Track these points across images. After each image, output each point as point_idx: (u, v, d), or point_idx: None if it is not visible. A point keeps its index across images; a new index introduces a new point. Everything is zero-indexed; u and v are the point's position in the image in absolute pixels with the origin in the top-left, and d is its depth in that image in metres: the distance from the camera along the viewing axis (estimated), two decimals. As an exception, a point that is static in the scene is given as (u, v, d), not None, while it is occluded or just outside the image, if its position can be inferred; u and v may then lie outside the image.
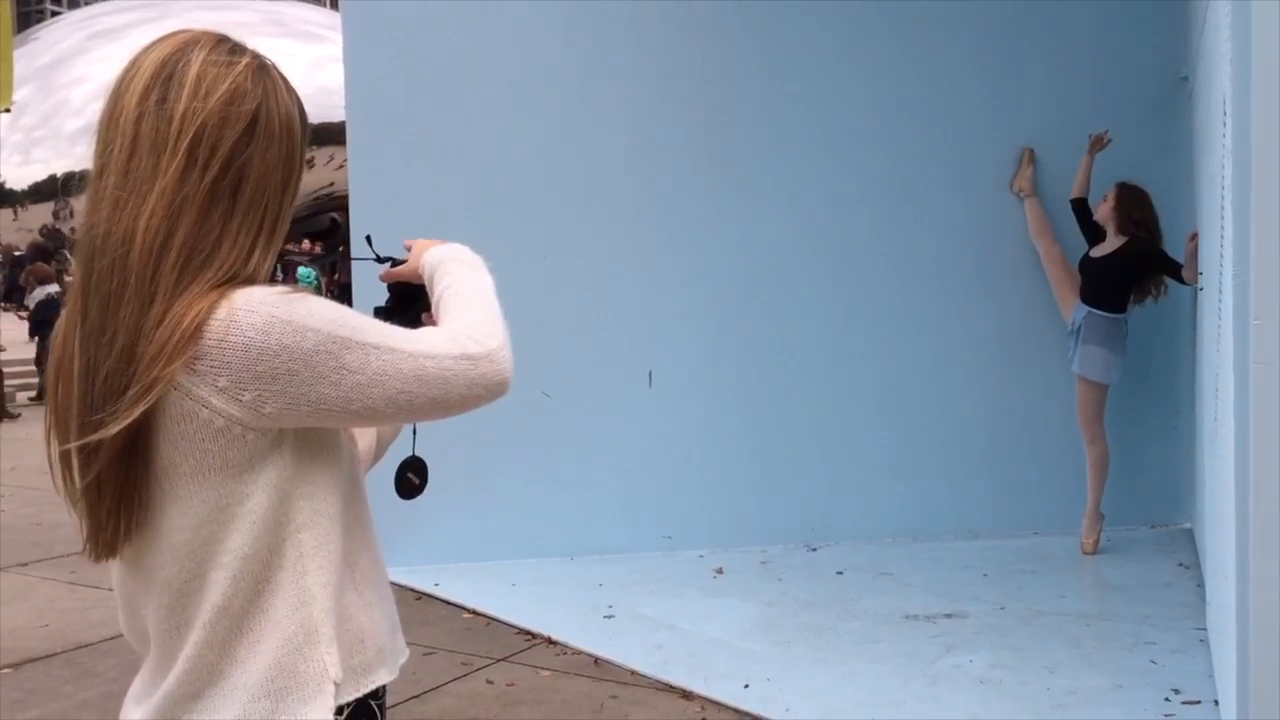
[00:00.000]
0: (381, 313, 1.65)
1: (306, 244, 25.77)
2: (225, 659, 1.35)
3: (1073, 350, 5.84)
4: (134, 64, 1.37)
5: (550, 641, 4.79)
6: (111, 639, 4.81)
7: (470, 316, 1.45)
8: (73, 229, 22.73)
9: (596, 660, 4.57)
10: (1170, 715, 3.83)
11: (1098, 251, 5.79)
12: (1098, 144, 5.92)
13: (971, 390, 6.26)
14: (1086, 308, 5.77)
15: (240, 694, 1.35)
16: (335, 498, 1.41)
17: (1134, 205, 5.69)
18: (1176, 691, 4.01)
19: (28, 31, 31.97)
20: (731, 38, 6.11)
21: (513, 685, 4.36)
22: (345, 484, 1.44)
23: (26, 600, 5.64)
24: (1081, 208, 5.94)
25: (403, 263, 1.66)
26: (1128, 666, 4.29)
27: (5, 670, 4.69)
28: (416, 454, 1.71)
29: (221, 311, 1.29)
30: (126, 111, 1.34)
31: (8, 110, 16.64)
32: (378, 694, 1.46)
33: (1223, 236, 3.36)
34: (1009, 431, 6.25)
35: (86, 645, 4.91)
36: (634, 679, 4.40)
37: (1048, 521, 6.16)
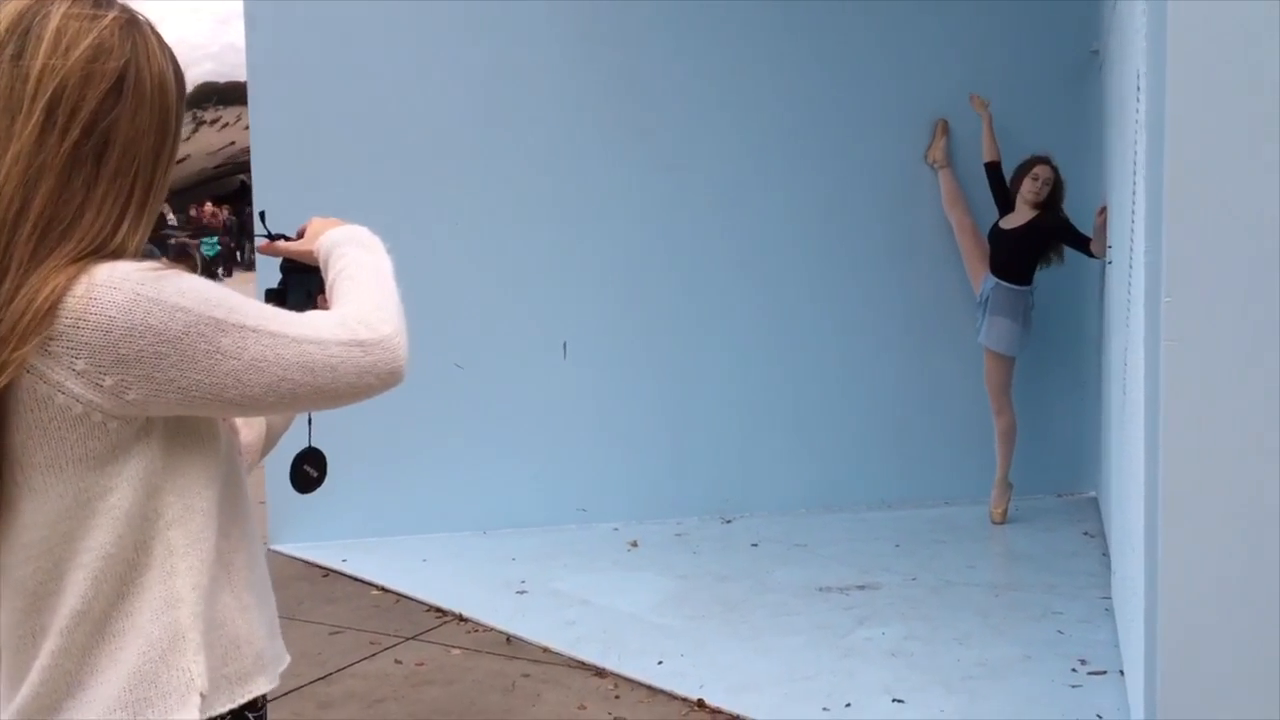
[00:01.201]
0: (273, 295, 1.57)
1: (210, 207, 25.09)
2: (84, 668, 1.24)
3: (980, 322, 5.87)
4: None
5: (461, 619, 4.71)
6: None
7: (364, 301, 1.34)
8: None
9: (509, 638, 4.50)
10: (1077, 685, 3.88)
11: (1007, 223, 5.82)
12: (980, 105, 5.99)
13: (883, 362, 6.28)
14: (995, 279, 5.81)
15: (97, 706, 1.23)
16: (210, 492, 1.30)
17: (1061, 184, 5.73)
18: (1083, 661, 4.06)
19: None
20: (648, 4, 6.02)
21: (422, 665, 4.28)
22: (221, 477, 1.32)
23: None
24: (994, 172, 5.96)
25: (288, 236, 1.57)
26: (1035, 637, 4.34)
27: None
28: (313, 445, 1.62)
29: (80, 288, 1.18)
30: None
31: None
32: (256, 704, 1.35)
33: (1134, 212, 3.38)
34: (920, 402, 6.29)
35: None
36: (546, 656, 4.34)
37: (958, 491, 6.22)
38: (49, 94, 1.21)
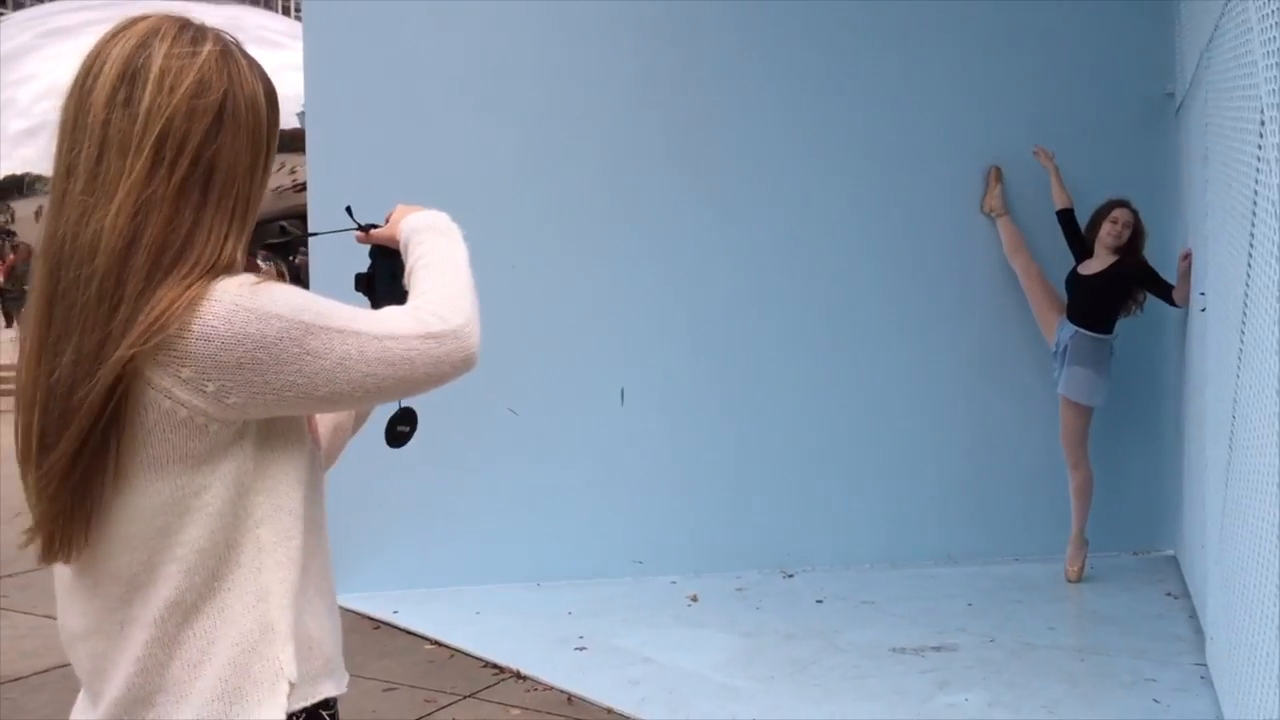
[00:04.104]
0: (361, 279, 1.65)
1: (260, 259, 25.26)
2: (176, 658, 1.31)
3: (1058, 371, 5.66)
4: (96, 59, 1.33)
5: (519, 676, 4.51)
6: (46, 671, 4.46)
7: (437, 291, 1.43)
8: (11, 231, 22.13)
9: (570, 698, 4.29)
10: (1182, 761, 3.63)
11: (1086, 269, 5.61)
12: (1045, 157, 5.84)
13: (950, 412, 6.07)
14: (1074, 327, 5.59)
15: (195, 697, 1.30)
16: (297, 494, 1.38)
17: (1142, 227, 5.54)
18: (1185, 734, 3.81)
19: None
20: (710, 40, 5.90)
21: (481, 726, 4.08)
22: (307, 480, 1.40)
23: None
24: (1068, 219, 5.77)
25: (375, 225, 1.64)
26: (1130, 706, 4.08)
27: (-74, 707, 4.33)
28: (404, 405, 1.60)
29: (186, 303, 1.26)
30: (94, 112, 1.30)
31: None
32: (328, 704, 1.39)
33: (1250, 257, 3.17)
34: (988, 455, 6.06)
35: (18, 679, 4.55)
36: (610, 718, 4.13)
37: (1028, 548, 5.97)
38: (157, 132, 1.29)
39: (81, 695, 1.44)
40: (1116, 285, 5.52)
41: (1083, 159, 5.92)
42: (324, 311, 1.31)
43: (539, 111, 5.72)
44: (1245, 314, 3.28)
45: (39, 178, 21.18)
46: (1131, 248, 5.55)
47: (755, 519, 5.95)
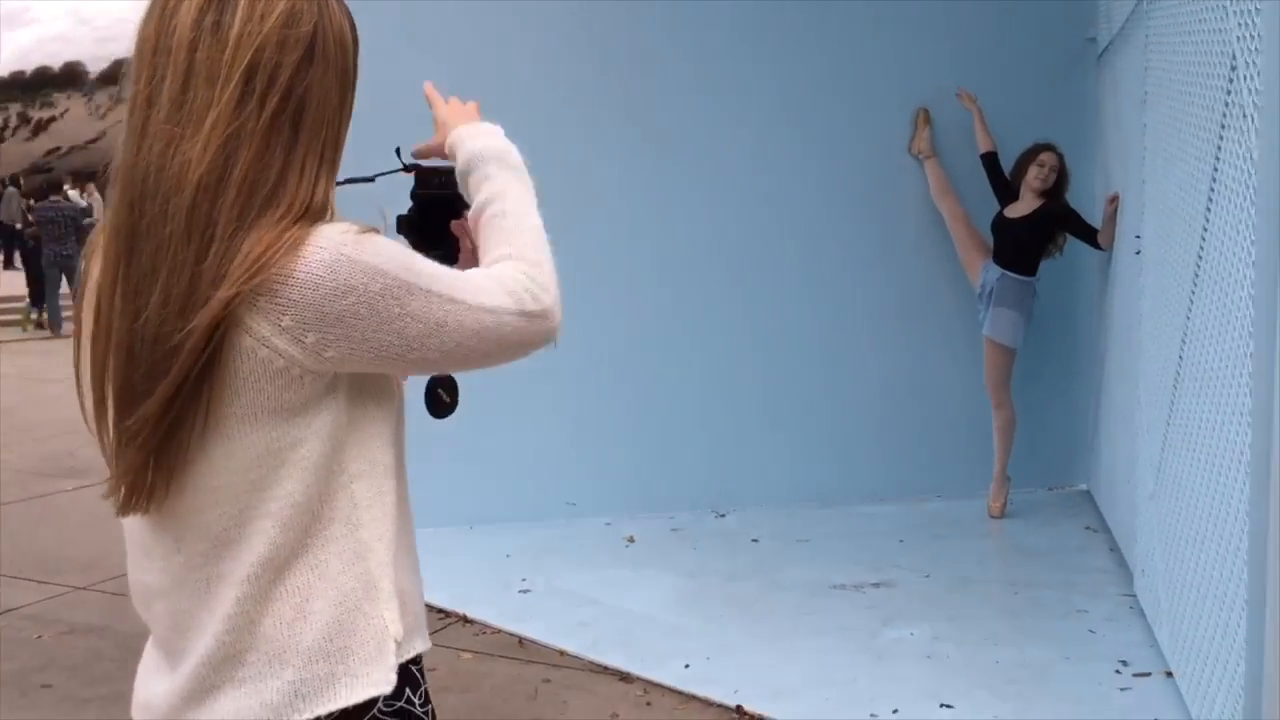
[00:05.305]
0: (404, 222, 1.55)
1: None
2: (270, 617, 1.25)
3: (983, 313, 5.76)
4: None
5: (466, 620, 4.46)
6: None
7: (527, 259, 1.35)
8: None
9: (521, 640, 4.27)
10: (1126, 689, 3.77)
11: (1012, 212, 5.71)
12: (968, 99, 5.91)
13: (876, 353, 6.15)
14: (999, 270, 5.69)
15: (293, 657, 1.25)
16: (390, 448, 1.34)
17: (1067, 171, 5.64)
18: (1124, 663, 3.95)
19: None
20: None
21: (434, 670, 4.01)
22: (396, 435, 1.37)
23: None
24: (992, 162, 5.85)
25: (439, 172, 1.53)
26: (1067, 637, 4.22)
27: None
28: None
29: (288, 248, 1.20)
30: (179, 37, 1.22)
31: None
32: (417, 660, 1.36)
33: (1210, 201, 3.25)
34: (911, 395, 6.17)
35: None
36: (564, 660, 4.12)
37: (951, 485, 6.11)
38: (246, 61, 1.22)
39: (152, 655, 1.38)
40: (1043, 228, 5.62)
41: (1005, 103, 5.98)
42: (424, 271, 1.25)
43: (468, 64, 5.56)
44: (1200, 256, 3.37)
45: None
46: (1056, 191, 5.66)
47: (686, 459, 5.97)
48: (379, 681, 1.28)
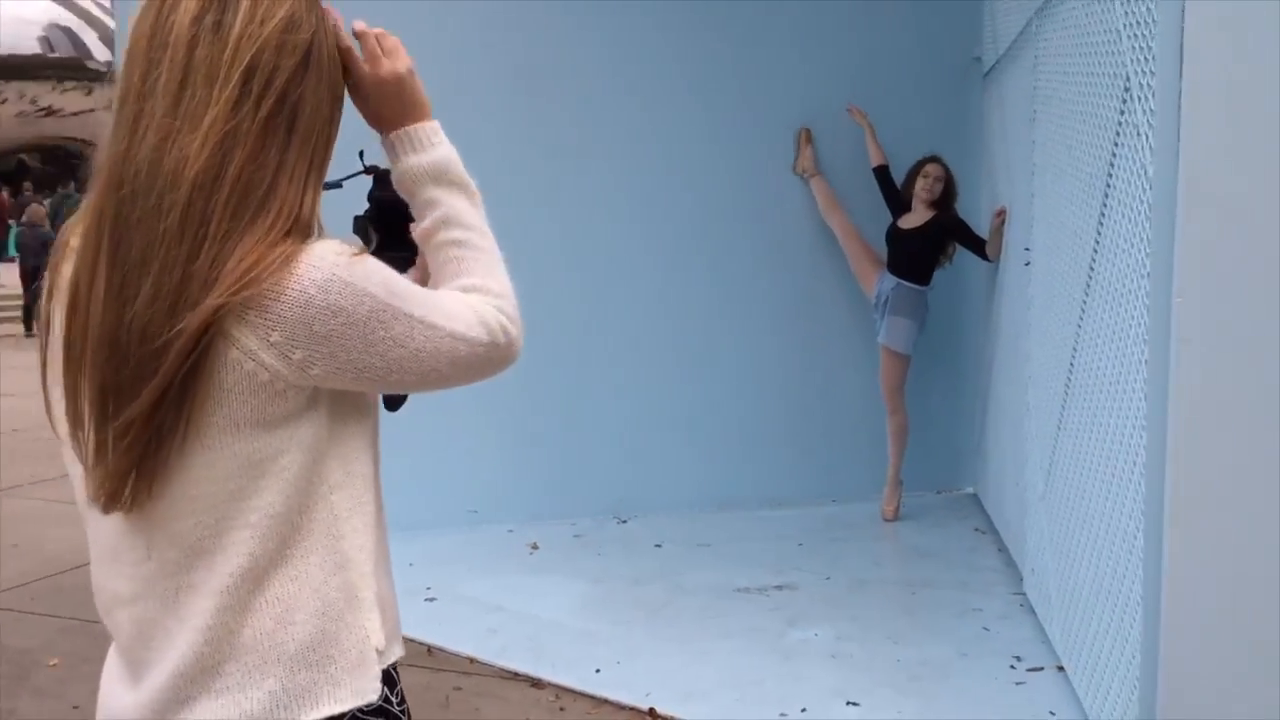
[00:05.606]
0: (361, 223, 1.56)
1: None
2: (249, 628, 1.26)
3: (879, 322, 5.92)
4: None
5: (372, 629, 4.41)
6: None
7: (494, 291, 1.38)
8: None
9: (429, 649, 4.25)
10: (1020, 683, 3.92)
11: (905, 223, 5.88)
12: (859, 115, 6.08)
13: (772, 362, 6.28)
14: (895, 279, 5.86)
15: (274, 667, 1.26)
16: (368, 458, 1.35)
17: (954, 181, 5.83)
18: (1018, 658, 4.11)
19: None
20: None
21: (342, 680, 3.98)
22: (374, 445, 1.38)
23: None
24: (883, 175, 6.02)
25: (385, 171, 1.50)
26: (964, 634, 4.36)
27: None
28: None
29: (281, 260, 1.21)
30: (177, 33, 1.23)
31: None
32: (394, 666, 1.38)
33: (1103, 216, 3.41)
34: (809, 402, 6.31)
35: None
36: (474, 668, 4.12)
37: (846, 489, 6.26)
38: (246, 62, 1.23)
39: (115, 665, 1.35)
40: (934, 239, 5.81)
41: (895, 119, 6.17)
42: (407, 296, 1.27)
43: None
44: (1093, 268, 3.54)
45: None
46: (945, 202, 5.85)
47: (587, 466, 6.01)
48: (362, 690, 1.29)
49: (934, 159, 5.88)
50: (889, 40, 6.26)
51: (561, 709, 3.80)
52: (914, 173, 5.91)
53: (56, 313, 1.28)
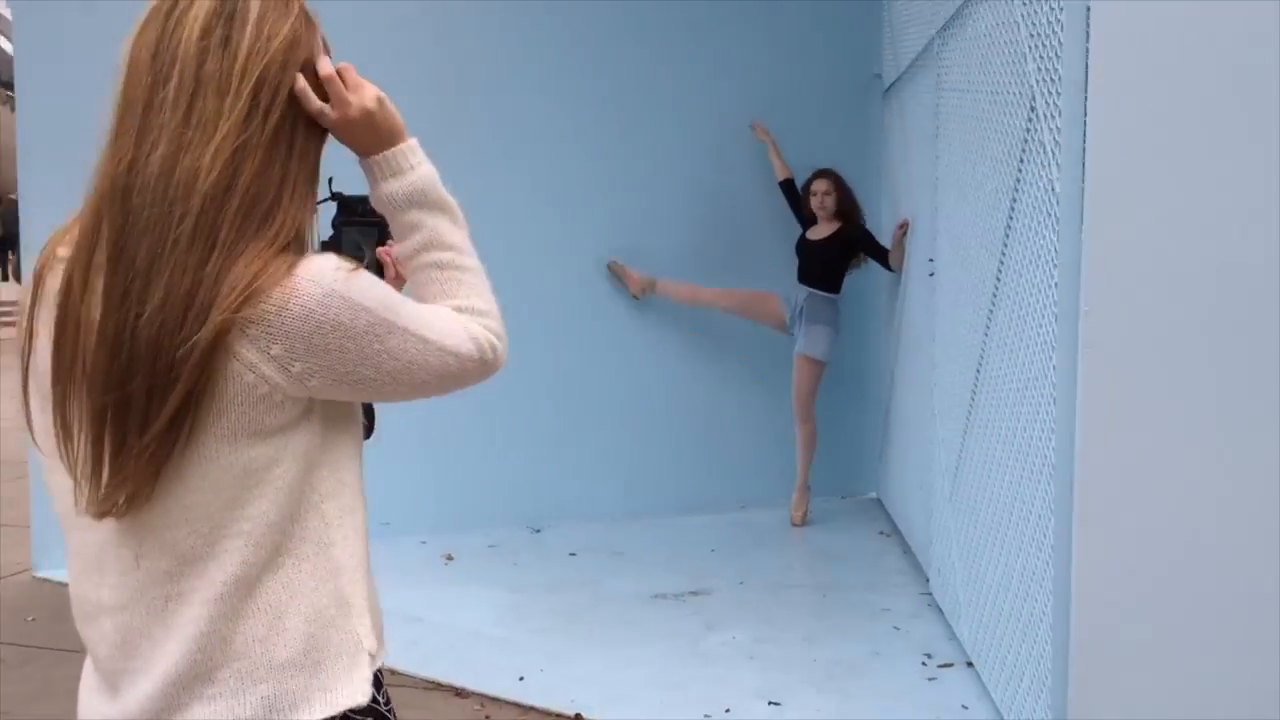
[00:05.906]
0: (326, 248, 1.59)
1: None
2: (241, 635, 1.28)
3: (798, 332, 6.03)
4: None
5: (290, 643, 4.38)
6: None
7: (480, 310, 1.44)
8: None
9: (350, 661, 4.22)
10: (933, 679, 4.05)
11: (814, 235, 6.02)
12: (761, 132, 6.22)
13: (683, 372, 6.38)
14: (807, 289, 5.99)
15: (267, 672, 1.28)
16: (355, 466, 1.39)
17: (848, 192, 5.99)
18: (929, 656, 4.25)
19: None
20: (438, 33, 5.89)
21: (262, 695, 3.94)
22: (359, 454, 1.42)
23: None
24: (789, 188, 6.16)
25: (363, 200, 1.57)
26: (876, 634, 4.49)
27: None
28: None
29: (282, 277, 1.24)
30: (186, 45, 1.27)
31: None
32: (380, 668, 1.41)
33: (1009, 230, 3.56)
34: (719, 411, 6.43)
35: None
36: (396, 679, 4.09)
37: (754, 495, 6.39)
38: (255, 76, 1.27)
39: (92, 676, 1.36)
40: (841, 249, 5.96)
41: (798, 134, 6.33)
42: (401, 311, 1.32)
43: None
44: (999, 279, 3.69)
45: None
46: (848, 213, 6.00)
47: (500, 476, 6.03)
48: (355, 694, 1.32)
49: (821, 174, 6.02)
50: (791, 57, 6.43)
51: (488, 717, 3.82)
52: (805, 190, 6.06)
53: (42, 323, 1.28)
